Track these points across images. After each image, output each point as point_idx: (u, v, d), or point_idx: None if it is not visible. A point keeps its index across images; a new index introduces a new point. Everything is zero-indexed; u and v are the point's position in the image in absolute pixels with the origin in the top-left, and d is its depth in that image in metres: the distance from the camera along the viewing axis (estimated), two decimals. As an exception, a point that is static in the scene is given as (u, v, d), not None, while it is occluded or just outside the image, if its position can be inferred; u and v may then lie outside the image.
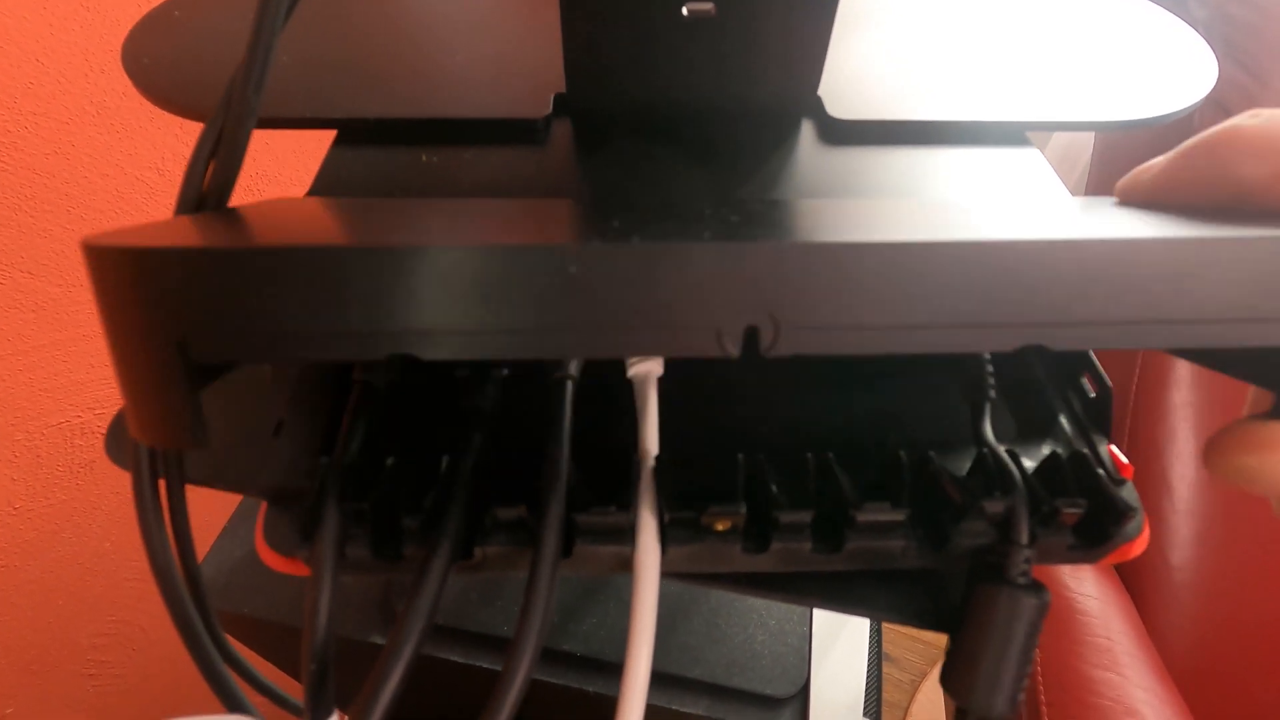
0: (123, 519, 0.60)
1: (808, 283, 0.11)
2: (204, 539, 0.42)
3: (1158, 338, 0.12)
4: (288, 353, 0.11)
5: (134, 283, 0.11)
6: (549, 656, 0.37)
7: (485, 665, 0.36)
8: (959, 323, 0.12)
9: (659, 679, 0.36)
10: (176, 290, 0.11)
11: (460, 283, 0.11)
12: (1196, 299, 0.11)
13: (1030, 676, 0.63)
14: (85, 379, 0.54)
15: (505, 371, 0.19)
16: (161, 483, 0.18)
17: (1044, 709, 0.60)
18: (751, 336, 0.12)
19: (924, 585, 0.19)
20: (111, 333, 0.12)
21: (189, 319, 0.11)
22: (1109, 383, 0.19)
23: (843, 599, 0.18)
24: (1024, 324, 0.12)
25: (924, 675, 0.99)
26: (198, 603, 0.18)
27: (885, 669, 0.50)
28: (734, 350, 0.12)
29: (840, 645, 0.38)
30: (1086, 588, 0.61)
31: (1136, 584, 0.66)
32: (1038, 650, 0.61)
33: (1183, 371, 0.66)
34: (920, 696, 0.97)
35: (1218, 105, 0.58)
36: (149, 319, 0.11)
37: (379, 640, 0.37)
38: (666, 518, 0.16)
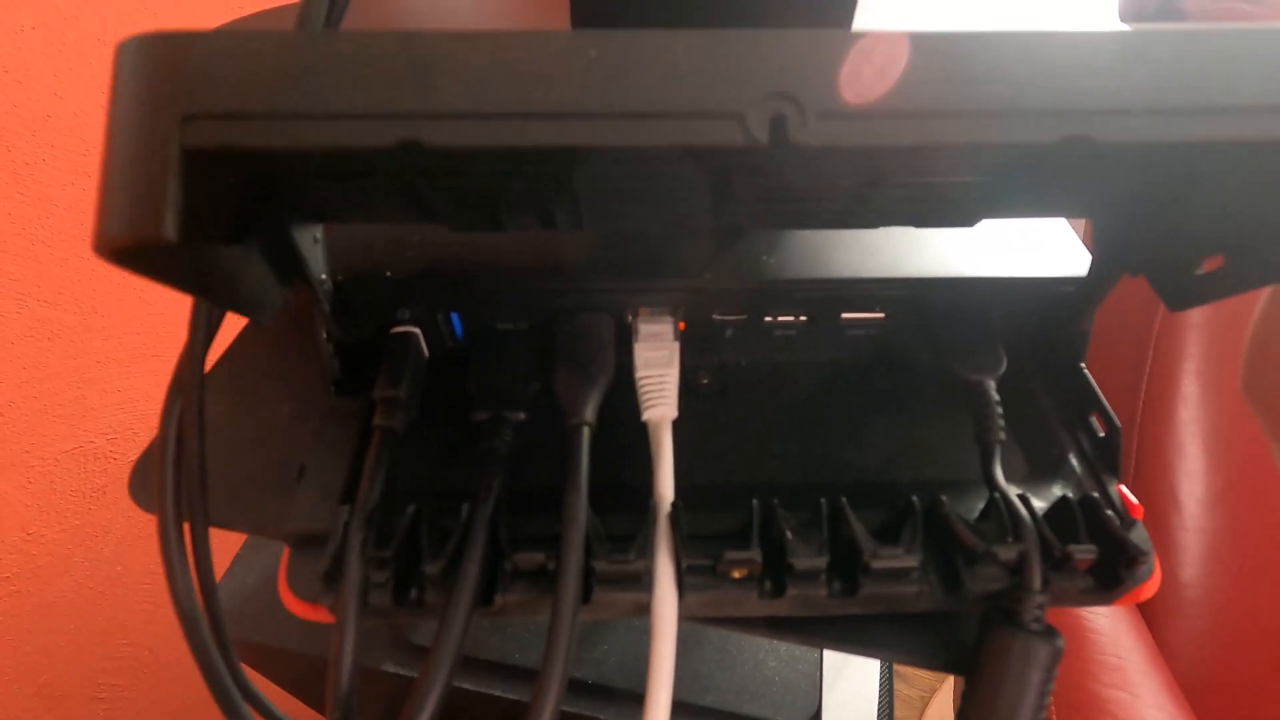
0: (135, 544, 0.60)
1: (835, 66, 0.11)
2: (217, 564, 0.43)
3: (1204, 127, 0.11)
4: (286, 137, 0.11)
5: (145, 62, 0.11)
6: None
7: (497, 694, 0.36)
8: (991, 109, 0.11)
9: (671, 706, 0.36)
10: (183, 67, 0.11)
11: (477, 66, 0.11)
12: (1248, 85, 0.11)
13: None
14: (99, 405, 0.54)
15: (522, 416, 0.19)
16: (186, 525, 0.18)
17: (1056, 729, 0.59)
18: (779, 123, 0.11)
19: (938, 627, 0.19)
20: (112, 120, 0.12)
21: (190, 96, 0.11)
22: (1118, 422, 0.19)
23: (857, 641, 0.18)
24: (1067, 111, 0.11)
25: (933, 691, 0.98)
26: (220, 645, 0.19)
27: (895, 686, 0.50)
28: (762, 136, 0.11)
29: (852, 670, 0.38)
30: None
31: (1147, 602, 0.66)
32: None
33: (1190, 387, 0.66)
34: (930, 713, 0.96)
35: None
36: (152, 96, 0.11)
37: (391, 668, 0.38)
38: (684, 565, 0.16)
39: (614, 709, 0.36)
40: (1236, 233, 0.15)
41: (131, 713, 0.66)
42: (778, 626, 0.18)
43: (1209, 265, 0.16)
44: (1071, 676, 0.56)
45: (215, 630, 0.18)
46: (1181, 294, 0.16)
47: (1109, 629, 0.64)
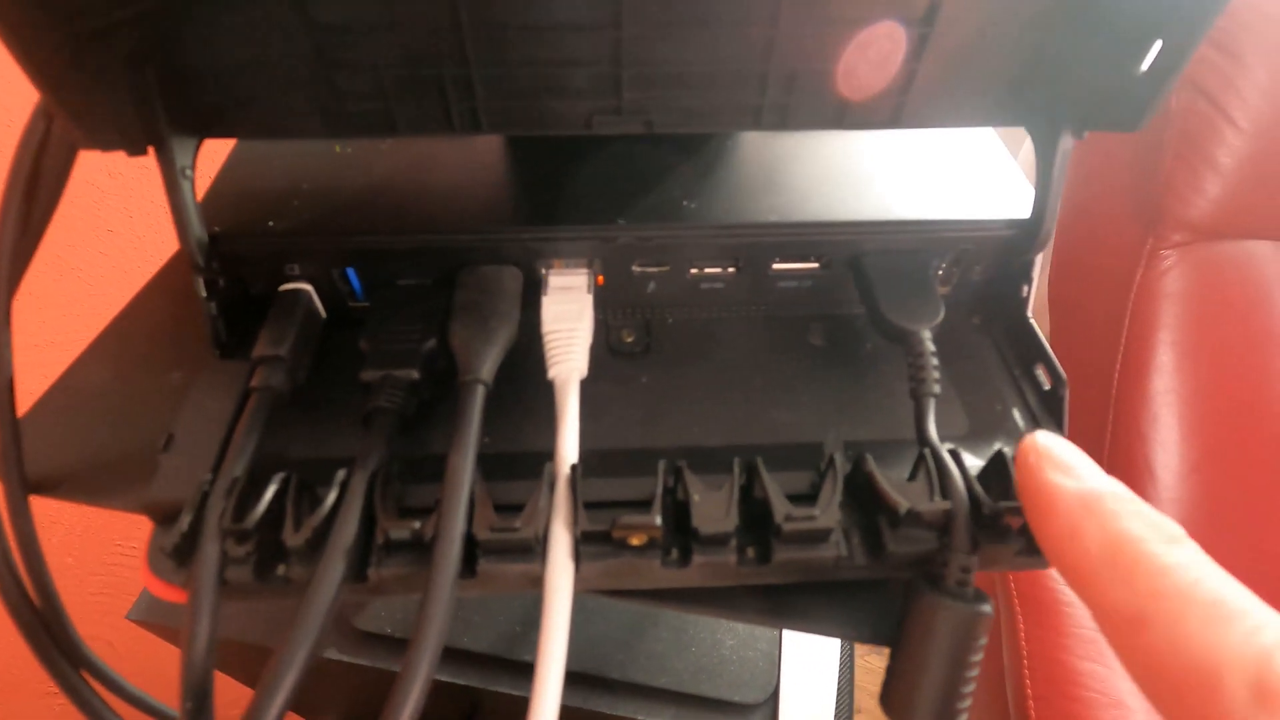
0: (83, 533, 0.58)
1: None
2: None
3: None
4: None
5: None
6: (512, 668, 0.36)
7: (444, 679, 0.35)
8: None
9: (625, 689, 0.35)
10: None
11: None
12: None
13: (1017, 670, 0.61)
14: (39, 390, 0.52)
15: (415, 375, 0.17)
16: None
17: (1030, 702, 0.59)
18: None
19: (871, 596, 0.17)
20: None
21: None
22: (1063, 374, 0.18)
23: (781, 614, 0.17)
24: None
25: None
26: (50, 610, 0.18)
27: (864, 657, 0.49)
28: None
29: (812, 648, 0.37)
30: (1071, 579, 0.60)
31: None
32: (1023, 643, 0.60)
33: (1165, 357, 0.65)
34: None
35: (1194, 86, 0.58)
36: None
37: (334, 655, 0.36)
38: (579, 532, 0.14)
39: (569, 693, 0.35)
40: (1159, 7, 0.15)
41: (88, 707, 0.64)
42: (691, 599, 0.17)
43: (1150, 59, 0.15)
44: (1046, 649, 0.55)
45: (46, 602, 0.17)
46: (1139, 104, 0.16)
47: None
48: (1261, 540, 0.64)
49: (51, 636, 0.19)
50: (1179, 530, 0.12)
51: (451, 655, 0.36)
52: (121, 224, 0.52)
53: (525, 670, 0.35)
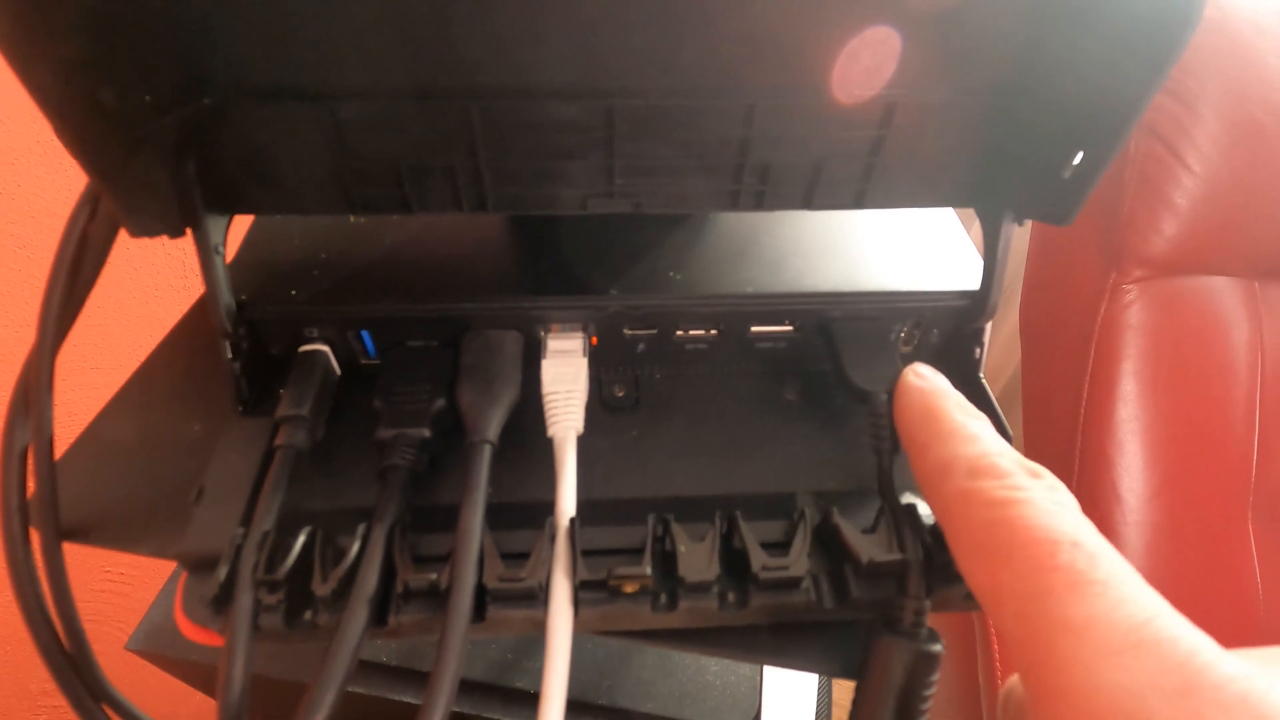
0: (72, 564, 0.58)
1: None
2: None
3: None
4: None
5: None
6: (502, 694, 0.37)
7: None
8: None
9: (611, 714, 0.36)
10: None
11: None
12: None
13: (991, 688, 0.63)
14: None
15: (427, 433, 0.19)
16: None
17: None
18: None
19: (841, 634, 0.19)
20: None
21: None
22: (1009, 431, 0.20)
23: (759, 650, 0.19)
24: None
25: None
26: (73, 640, 0.19)
27: (839, 685, 0.50)
28: None
29: (792, 674, 0.39)
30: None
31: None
32: (996, 663, 0.61)
33: (1129, 386, 0.68)
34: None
35: (1151, 132, 0.61)
36: None
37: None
38: (578, 581, 0.16)
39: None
40: (1080, 125, 0.17)
41: (74, 735, 0.64)
42: (679, 638, 0.19)
43: (1074, 165, 0.18)
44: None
45: (73, 641, 0.19)
46: (1067, 202, 0.18)
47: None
48: (1221, 559, 0.67)
49: (80, 678, 0.20)
50: (977, 412, 0.17)
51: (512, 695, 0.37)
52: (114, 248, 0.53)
53: (517, 697, 0.37)
